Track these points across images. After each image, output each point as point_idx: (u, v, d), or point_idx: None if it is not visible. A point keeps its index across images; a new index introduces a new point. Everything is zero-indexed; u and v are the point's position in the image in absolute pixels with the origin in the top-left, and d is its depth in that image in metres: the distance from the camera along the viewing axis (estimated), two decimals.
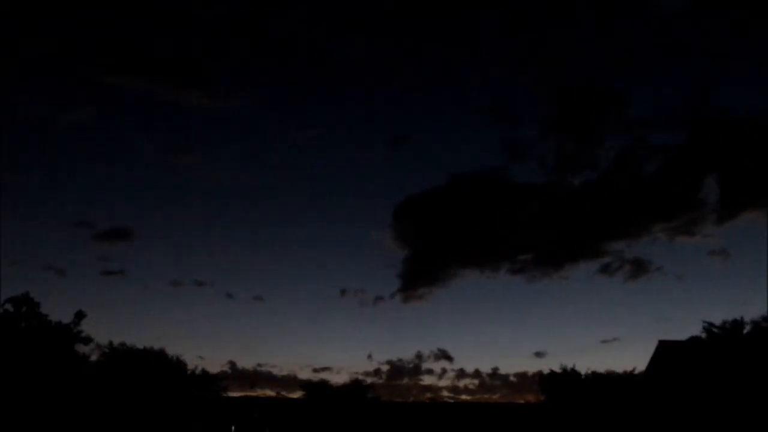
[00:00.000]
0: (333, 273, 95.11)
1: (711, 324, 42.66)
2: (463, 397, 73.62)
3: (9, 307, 40.28)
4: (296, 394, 62.04)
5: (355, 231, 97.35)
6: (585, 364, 61.93)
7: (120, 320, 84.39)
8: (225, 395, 58.79)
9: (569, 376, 51.24)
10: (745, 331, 41.79)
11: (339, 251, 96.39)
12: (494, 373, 74.83)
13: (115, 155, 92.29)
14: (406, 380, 75.42)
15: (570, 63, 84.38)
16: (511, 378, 73.66)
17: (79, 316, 42.70)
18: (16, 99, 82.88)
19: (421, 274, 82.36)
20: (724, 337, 41.70)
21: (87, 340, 44.11)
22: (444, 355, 75.86)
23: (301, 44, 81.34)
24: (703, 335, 42.46)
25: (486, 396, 72.92)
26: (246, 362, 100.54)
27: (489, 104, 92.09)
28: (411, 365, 76.31)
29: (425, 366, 76.85)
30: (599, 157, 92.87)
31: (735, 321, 42.10)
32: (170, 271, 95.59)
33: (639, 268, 79.41)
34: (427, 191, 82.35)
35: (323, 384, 63.02)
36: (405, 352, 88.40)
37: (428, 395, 72.47)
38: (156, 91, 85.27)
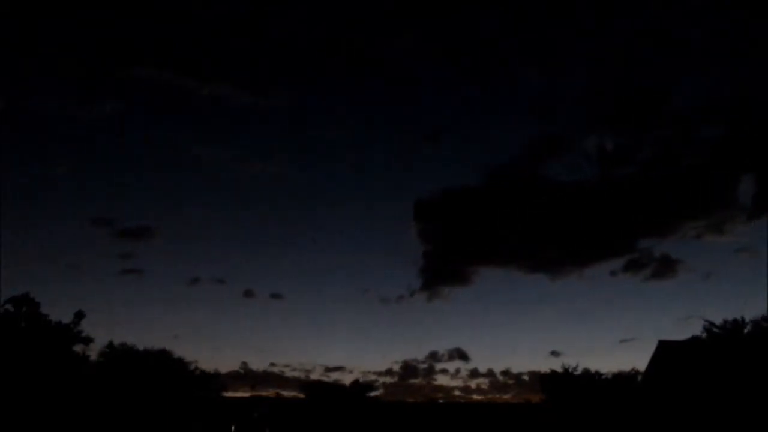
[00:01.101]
0: (353, 271, 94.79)
1: (711, 324, 42.67)
2: (475, 396, 73.67)
3: (9, 307, 40.30)
4: (297, 394, 62.38)
5: (378, 229, 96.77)
6: (601, 364, 61.53)
7: (137, 319, 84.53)
8: (225, 395, 58.95)
9: (569, 375, 51.21)
10: (745, 331, 41.81)
11: (361, 249, 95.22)
12: (507, 373, 74.75)
13: (137, 151, 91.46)
14: (419, 380, 75.53)
15: (609, 57, 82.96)
16: (524, 377, 73.28)
17: (79, 316, 42.70)
18: (40, 93, 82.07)
19: (442, 272, 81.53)
20: (724, 337, 41.69)
21: (87, 340, 44.10)
22: (460, 355, 75.73)
23: (333, 41, 79.96)
24: (704, 335, 42.46)
25: (497, 396, 72.95)
26: (260, 362, 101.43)
27: (527, 100, 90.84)
28: (426, 365, 76.20)
29: (441, 365, 76.66)
30: (636, 154, 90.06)
31: (735, 321, 42.10)
32: (188, 268, 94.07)
33: (665, 266, 77.88)
34: (453, 188, 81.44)
35: (324, 384, 63.20)
36: (422, 352, 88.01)
37: (439, 395, 72.59)
38: (182, 85, 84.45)
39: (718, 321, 42.02)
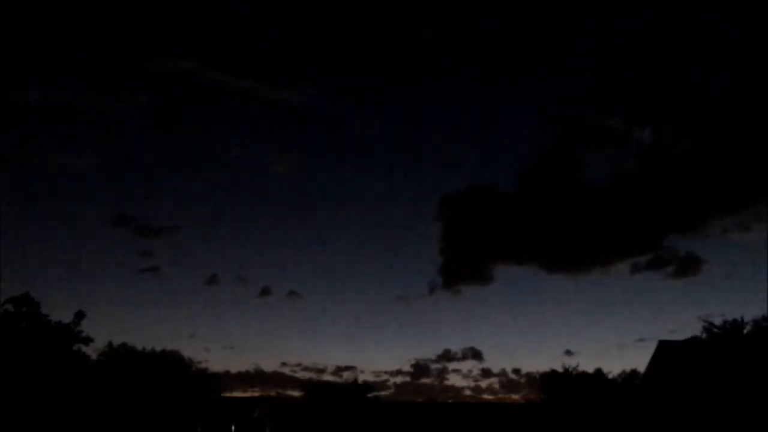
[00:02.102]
0: (373, 269, 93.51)
1: (711, 323, 42.70)
2: (485, 396, 73.41)
3: (9, 307, 40.31)
4: (298, 394, 62.32)
5: (399, 228, 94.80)
6: (615, 364, 60.93)
7: (153, 317, 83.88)
8: (226, 395, 58.97)
9: (569, 375, 51.23)
10: (745, 331, 41.79)
11: (381, 247, 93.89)
12: (519, 372, 74.15)
13: (157, 148, 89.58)
14: (430, 380, 75.36)
15: (644, 53, 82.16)
16: (536, 377, 72.78)
17: (79, 316, 42.70)
18: (65, 88, 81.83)
19: (462, 271, 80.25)
20: (724, 337, 41.68)
21: (87, 340, 44.10)
22: (474, 354, 75.06)
23: (364, 36, 79.27)
24: (703, 335, 42.46)
25: (507, 396, 72.59)
26: (271, 361, 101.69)
27: (547, 98, 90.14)
28: (439, 364, 75.67)
29: (454, 365, 75.99)
30: (663, 152, 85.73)
31: (735, 321, 42.11)
32: (206, 266, 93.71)
33: (689, 264, 76.24)
34: (476, 185, 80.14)
35: (324, 384, 63.17)
36: (436, 351, 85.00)
37: (449, 395, 72.37)
38: (203, 80, 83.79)
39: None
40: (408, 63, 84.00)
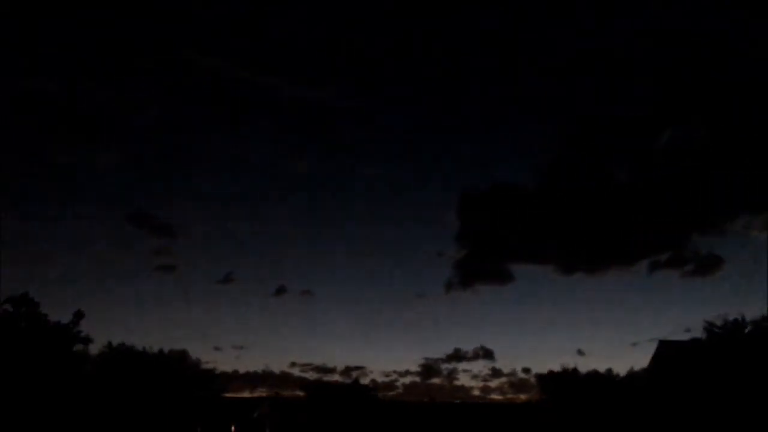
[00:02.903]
0: (388, 268, 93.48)
1: (712, 324, 42.70)
2: (494, 396, 73.04)
3: (8, 307, 40.18)
4: (298, 394, 62.29)
5: (415, 228, 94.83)
6: (627, 363, 60.62)
7: (166, 317, 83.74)
8: (226, 395, 58.90)
9: (570, 375, 51.25)
10: (745, 331, 41.79)
11: (397, 247, 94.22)
12: (529, 372, 73.41)
13: (174, 145, 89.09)
14: (440, 380, 75.13)
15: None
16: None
17: (78, 315, 42.58)
18: (89, 85, 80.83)
19: (479, 270, 79.74)
20: (724, 337, 41.67)
21: (86, 340, 44.00)
22: (485, 354, 74.67)
23: (386, 34, 78.30)
24: (704, 335, 42.46)
25: (516, 396, 72.13)
26: (281, 361, 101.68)
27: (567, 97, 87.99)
28: (450, 364, 75.32)
29: (464, 365, 76.04)
30: (686, 150, 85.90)
31: (735, 321, 42.13)
32: (221, 265, 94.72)
33: (707, 262, 75.25)
34: (495, 184, 79.89)
35: (324, 384, 63.17)
36: (447, 350, 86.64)
37: (458, 395, 72.04)
38: (222, 79, 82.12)
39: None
40: (428, 62, 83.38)
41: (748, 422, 36.28)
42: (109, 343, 48.91)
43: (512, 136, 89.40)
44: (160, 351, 51.20)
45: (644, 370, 47.21)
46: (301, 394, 62.17)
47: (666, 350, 44.11)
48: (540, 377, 54.28)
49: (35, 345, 39.50)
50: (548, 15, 78.47)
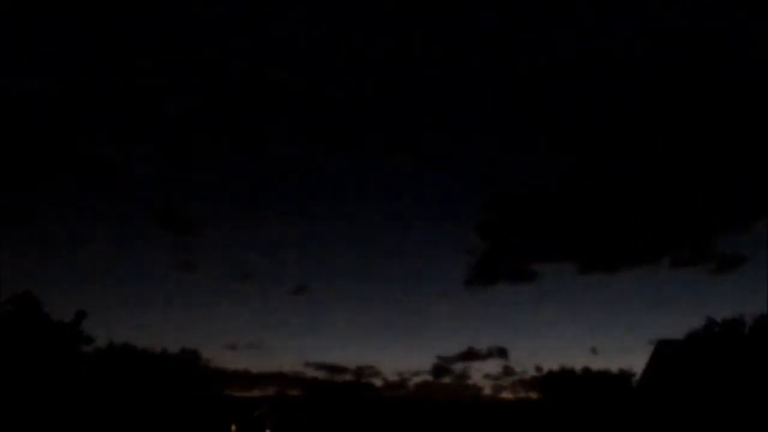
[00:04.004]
0: (409, 266, 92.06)
1: (711, 322, 42.68)
2: (504, 395, 72.40)
3: (9, 306, 40.30)
4: (300, 393, 62.43)
5: (436, 225, 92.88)
6: (643, 362, 60.29)
7: (184, 315, 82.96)
8: (226, 394, 59.00)
9: (569, 375, 51.34)
10: (745, 330, 41.80)
11: (417, 245, 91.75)
12: (541, 371, 73.39)
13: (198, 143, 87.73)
14: (452, 379, 74.67)
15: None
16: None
17: (80, 315, 42.70)
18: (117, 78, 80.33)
19: (499, 268, 79.66)
20: (724, 336, 41.69)
21: (88, 340, 44.14)
22: (500, 352, 74.01)
23: (412, 32, 77.70)
24: (703, 334, 42.45)
25: (527, 395, 71.89)
26: (295, 361, 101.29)
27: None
28: (463, 364, 75.56)
29: (477, 364, 75.92)
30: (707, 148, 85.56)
31: (735, 319, 42.15)
32: (240, 264, 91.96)
33: (730, 261, 73.97)
34: (517, 183, 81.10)
35: (324, 384, 63.30)
36: (461, 349, 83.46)
37: (468, 394, 71.71)
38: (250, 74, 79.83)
39: None
40: (445, 61, 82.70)
41: (748, 421, 36.29)
42: (110, 343, 49.14)
43: (531, 136, 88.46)
44: (163, 350, 51.52)
45: (643, 370, 47.38)
46: (304, 393, 62.51)
47: (664, 349, 44.13)
48: (541, 377, 54.41)
49: (34, 345, 39.66)
50: (548, 15, 78.66)
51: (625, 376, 51.38)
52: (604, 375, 51.54)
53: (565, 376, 51.76)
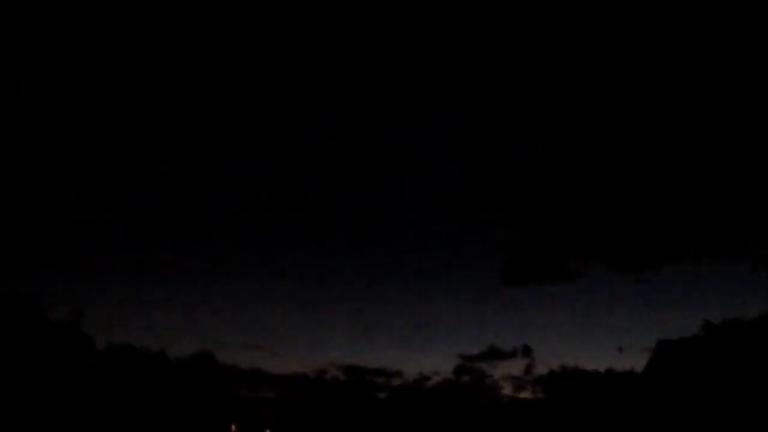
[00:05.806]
0: (438, 267, 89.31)
1: (710, 322, 42.74)
2: (522, 395, 72.20)
3: (9, 306, 40.40)
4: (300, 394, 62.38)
5: (466, 226, 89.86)
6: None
7: (205, 315, 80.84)
8: (226, 395, 58.98)
9: (569, 374, 51.33)
10: (744, 330, 41.83)
11: (447, 247, 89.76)
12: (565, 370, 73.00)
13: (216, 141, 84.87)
14: (472, 379, 72.11)
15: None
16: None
17: (78, 315, 42.86)
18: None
19: (529, 269, 75.50)
20: (723, 336, 41.72)
21: (88, 340, 44.26)
22: (525, 351, 70.99)
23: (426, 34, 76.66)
24: (702, 334, 42.51)
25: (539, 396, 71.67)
26: (319, 362, 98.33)
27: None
28: (486, 364, 72.70)
29: (500, 363, 73.76)
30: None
31: (734, 319, 42.20)
32: (264, 265, 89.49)
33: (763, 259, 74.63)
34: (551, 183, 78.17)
35: (325, 384, 63.28)
36: (483, 348, 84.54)
37: (486, 394, 71.21)
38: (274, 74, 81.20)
39: None
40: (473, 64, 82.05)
41: (747, 421, 36.31)
42: (110, 343, 49.20)
43: (563, 139, 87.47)
44: (161, 350, 51.57)
45: (643, 370, 47.43)
46: (307, 394, 62.55)
47: (665, 349, 44.18)
48: (541, 376, 54.43)
49: (34, 345, 39.74)
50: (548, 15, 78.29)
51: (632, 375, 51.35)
52: (607, 374, 51.58)
53: (565, 376, 51.80)
